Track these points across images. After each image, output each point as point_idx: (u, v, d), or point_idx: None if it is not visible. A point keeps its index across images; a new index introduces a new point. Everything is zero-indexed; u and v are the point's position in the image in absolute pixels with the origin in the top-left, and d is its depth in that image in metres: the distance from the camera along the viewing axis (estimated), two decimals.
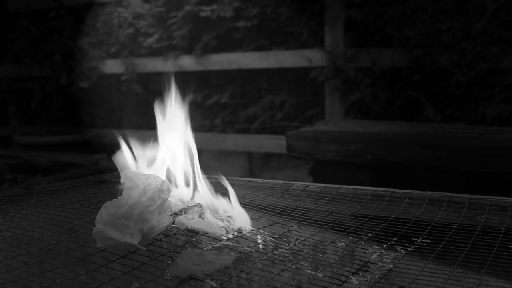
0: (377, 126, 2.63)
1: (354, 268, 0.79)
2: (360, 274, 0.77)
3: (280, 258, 0.82)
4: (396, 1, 3.10)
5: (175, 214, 0.96)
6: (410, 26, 3.01)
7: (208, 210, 0.99)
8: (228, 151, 3.85)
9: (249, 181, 1.44)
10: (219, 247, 0.86)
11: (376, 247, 0.89)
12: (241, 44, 3.78)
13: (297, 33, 3.57)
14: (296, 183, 1.37)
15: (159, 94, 1.10)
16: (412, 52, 3.00)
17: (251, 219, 1.02)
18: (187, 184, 1.06)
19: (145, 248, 0.82)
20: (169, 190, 0.91)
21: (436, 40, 2.95)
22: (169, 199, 0.92)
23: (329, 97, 3.37)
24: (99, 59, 4.26)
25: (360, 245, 0.90)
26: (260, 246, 0.87)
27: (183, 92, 1.11)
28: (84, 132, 4.32)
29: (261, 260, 0.82)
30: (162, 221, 0.88)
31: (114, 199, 0.87)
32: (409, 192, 1.24)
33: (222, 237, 0.90)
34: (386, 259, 0.84)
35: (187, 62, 3.88)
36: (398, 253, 0.86)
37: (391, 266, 0.81)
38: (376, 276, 0.77)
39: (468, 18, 2.88)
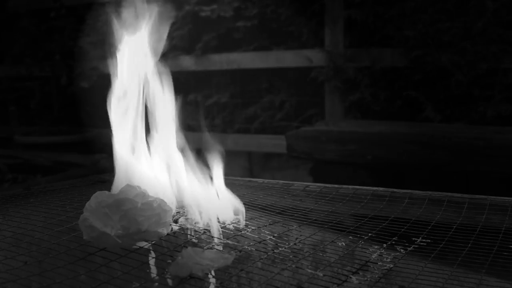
0: (377, 126, 2.63)
1: (354, 268, 0.79)
2: (360, 273, 0.77)
3: (280, 257, 0.82)
4: (396, 1, 3.10)
5: (178, 213, 0.97)
6: (410, 26, 3.01)
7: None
8: (228, 151, 3.84)
9: (249, 181, 1.44)
10: (219, 246, 0.86)
11: (376, 246, 0.89)
12: (241, 44, 3.77)
13: (297, 33, 3.57)
14: (296, 183, 1.37)
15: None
16: (412, 52, 3.00)
17: (251, 218, 1.02)
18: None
19: (120, 241, 0.82)
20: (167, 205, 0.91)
21: (436, 40, 2.95)
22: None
23: (329, 97, 3.37)
24: (99, 59, 4.26)
25: (360, 245, 0.90)
26: (260, 245, 0.87)
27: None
28: (84, 132, 4.31)
29: (261, 259, 0.82)
30: (154, 234, 0.86)
31: (107, 191, 0.89)
32: (409, 192, 1.24)
33: (222, 236, 0.90)
34: (386, 259, 0.84)
35: (187, 62, 3.88)
36: (398, 253, 0.86)
37: (391, 265, 0.81)
38: (376, 276, 0.77)
39: (468, 18, 2.88)
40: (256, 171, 3.80)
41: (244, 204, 1.14)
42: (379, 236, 0.94)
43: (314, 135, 2.48)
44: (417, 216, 1.06)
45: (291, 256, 0.83)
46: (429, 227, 0.98)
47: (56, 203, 1.14)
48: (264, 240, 0.89)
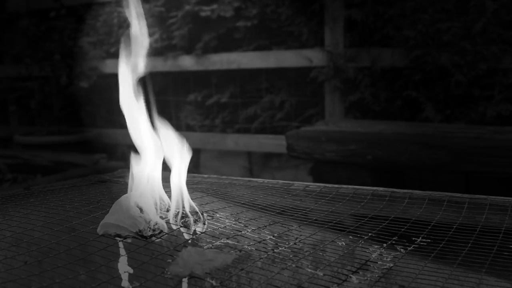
0: (377, 126, 2.63)
1: (354, 267, 0.79)
2: (360, 273, 0.77)
3: (280, 257, 0.82)
4: (396, 1, 3.10)
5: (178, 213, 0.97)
6: (410, 26, 3.01)
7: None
8: (228, 151, 3.85)
9: (249, 181, 1.44)
10: (219, 245, 0.86)
11: (376, 246, 0.89)
12: (241, 44, 3.78)
13: (297, 33, 3.57)
14: (296, 183, 1.37)
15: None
16: (412, 52, 3.00)
17: (251, 218, 1.02)
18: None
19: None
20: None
21: (436, 40, 2.95)
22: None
23: (329, 97, 3.37)
24: (99, 59, 4.26)
25: (360, 244, 0.90)
26: (260, 244, 0.87)
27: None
28: (84, 132, 4.32)
29: (261, 258, 0.82)
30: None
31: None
32: (409, 192, 1.23)
33: (222, 236, 0.90)
34: (386, 258, 0.84)
35: (187, 62, 3.88)
36: (398, 253, 0.86)
37: (391, 265, 0.81)
38: (376, 275, 0.77)
39: (468, 18, 2.88)
40: (256, 171, 3.80)
41: (244, 204, 1.14)
42: (379, 236, 0.94)
43: (314, 135, 2.48)
44: (417, 216, 1.06)
45: (291, 256, 0.83)
46: (429, 227, 0.98)
47: (56, 203, 1.14)
48: (264, 239, 0.89)
